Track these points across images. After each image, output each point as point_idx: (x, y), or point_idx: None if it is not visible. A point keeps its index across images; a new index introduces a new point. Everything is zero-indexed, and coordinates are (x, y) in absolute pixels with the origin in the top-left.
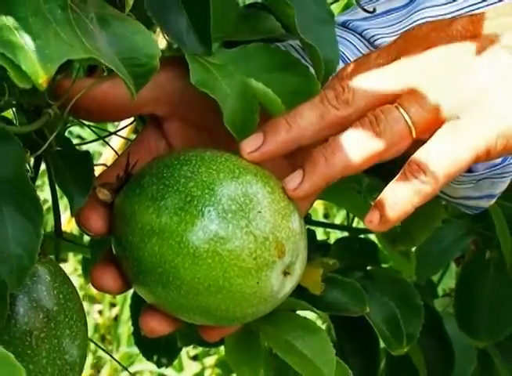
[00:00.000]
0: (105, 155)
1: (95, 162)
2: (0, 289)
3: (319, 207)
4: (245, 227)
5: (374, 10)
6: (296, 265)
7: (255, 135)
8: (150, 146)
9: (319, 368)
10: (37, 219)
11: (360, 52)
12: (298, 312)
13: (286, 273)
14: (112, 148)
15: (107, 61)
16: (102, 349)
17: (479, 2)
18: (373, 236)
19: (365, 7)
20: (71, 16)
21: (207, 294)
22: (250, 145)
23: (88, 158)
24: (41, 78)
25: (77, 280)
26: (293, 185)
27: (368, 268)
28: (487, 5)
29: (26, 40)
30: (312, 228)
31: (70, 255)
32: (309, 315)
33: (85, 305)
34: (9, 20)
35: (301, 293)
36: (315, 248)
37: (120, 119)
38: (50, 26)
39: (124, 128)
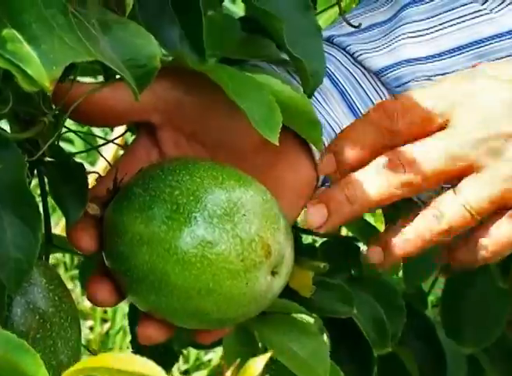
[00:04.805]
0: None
1: None
2: None
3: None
4: (231, 230)
5: (360, 25)
6: (283, 265)
7: (318, 208)
8: (142, 157)
9: (314, 369)
10: (36, 224)
11: (345, 67)
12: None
13: (274, 273)
14: (105, 159)
15: (111, 63)
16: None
17: (461, 17)
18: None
19: (350, 21)
20: (73, 21)
21: (199, 298)
22: (316, 222)
23: (82, 171)
24: (48, 81)
25: None
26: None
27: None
28: (471, 19)
29: (31, 45)
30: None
31: (62, 271)
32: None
33: None
34: (13, 27)
35: (290, 296)
36: (302, 251)
37: (119, 124)
38: (53, 31)
39: (115, 139)
